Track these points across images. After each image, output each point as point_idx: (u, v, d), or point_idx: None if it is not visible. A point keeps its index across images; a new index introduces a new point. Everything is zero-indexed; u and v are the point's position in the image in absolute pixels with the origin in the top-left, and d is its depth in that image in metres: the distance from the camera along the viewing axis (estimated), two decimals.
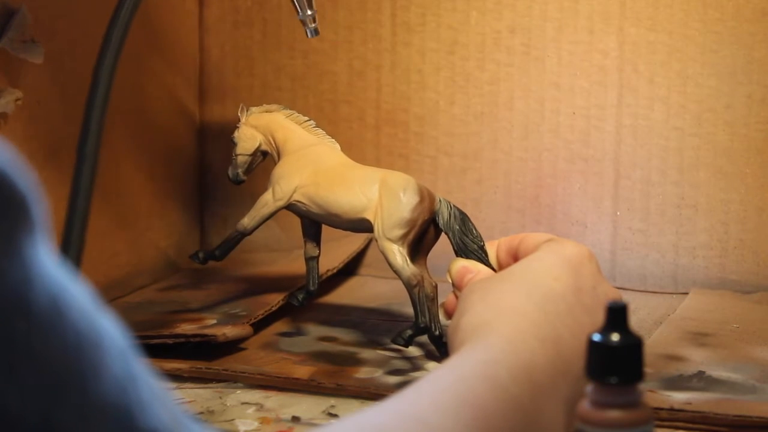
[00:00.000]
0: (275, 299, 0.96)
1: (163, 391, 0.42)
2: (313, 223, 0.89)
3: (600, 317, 0.51)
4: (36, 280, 0.37)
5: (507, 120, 1.09)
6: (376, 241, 0.84)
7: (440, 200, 0.84)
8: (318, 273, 0.90)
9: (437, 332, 0.84)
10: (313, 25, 0.88)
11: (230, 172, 0.92)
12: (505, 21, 1.08)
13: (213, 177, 1.18)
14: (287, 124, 0.91)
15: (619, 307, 0.51)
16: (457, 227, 0.82)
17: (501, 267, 0.75)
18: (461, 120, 1.11)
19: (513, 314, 0.62)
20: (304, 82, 1.15)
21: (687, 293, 1.05)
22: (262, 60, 1.15)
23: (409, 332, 0.84)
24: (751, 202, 1.05)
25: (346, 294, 1.07)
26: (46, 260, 0.38)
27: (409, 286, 0.83)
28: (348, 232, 0.90)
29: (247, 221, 0.89)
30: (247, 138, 0.91)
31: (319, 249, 0.90)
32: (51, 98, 0.94)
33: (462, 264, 0.77)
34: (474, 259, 0.79)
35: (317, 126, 0.91)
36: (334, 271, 1.05)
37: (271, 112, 0.92)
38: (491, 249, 0.78)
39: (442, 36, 1.10)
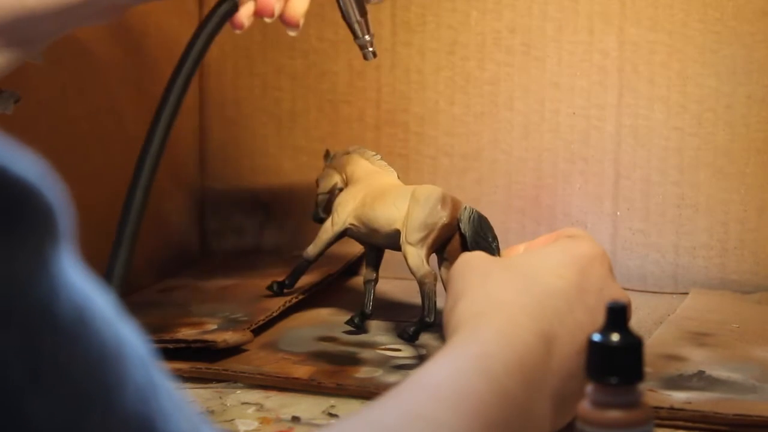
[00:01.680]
0: (276, 304, 0.96)
1: (182, 398, 0.42)
2: (373, 249, 0.94)
3: (602, 319, 0.51)
4: (62, 292, 0.37)
5: (507, 120, 1.09)
6: (401, 248, 0.88)
7: (465, 207, 0.88)
8: (373, 296, 0.93)
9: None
10: (371, 48, 0.89)
11: (313, 213, 0.99)
12: (505, 21, 1.08)
13: (213, 179, 1.18)
14: (356, 159, 0.97)
15: (619, 307, 0.51)
16: (474, 228, 0.86)
17: None
18: (461, 120, 1.11)
19: (511, 307, 0.62)
20: (304, 82, 1.14)
21: (687, 293, 1.05)
22: (262, 60, 1.15)
23: (415, 327, 0.88)
24: (751, 202, 1.04)
25: (346, 294, 1.07)
26: (72, 271, 0.38)
27: (422, 284, 0.87)
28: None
29: (311, 249, 0.95)
30: (326, 178, 0.98)
31: (377, 274, 0.93)
32: (51, 98, 0.94)
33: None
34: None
35: (382, 158, 0.96)
36: (335, 275, 1.05)
37: (349, 153, 0.98)
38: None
39: (442, 36, 1.10)
